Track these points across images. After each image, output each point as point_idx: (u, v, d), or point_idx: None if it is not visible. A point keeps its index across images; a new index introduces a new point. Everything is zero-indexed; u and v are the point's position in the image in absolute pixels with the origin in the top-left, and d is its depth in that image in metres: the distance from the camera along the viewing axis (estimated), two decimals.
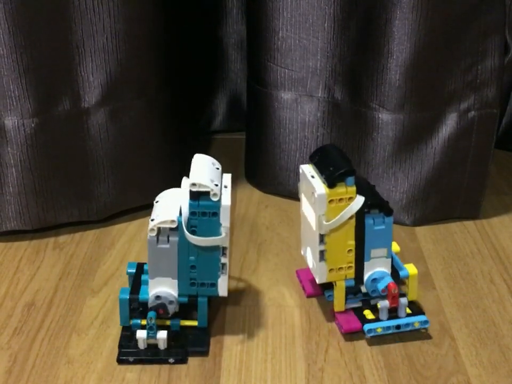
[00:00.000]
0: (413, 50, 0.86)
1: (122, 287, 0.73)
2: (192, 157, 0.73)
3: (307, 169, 0.73)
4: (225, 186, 0.70)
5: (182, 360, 0.70)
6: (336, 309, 0.74)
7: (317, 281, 0.73)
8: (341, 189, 0.69)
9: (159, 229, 0.68)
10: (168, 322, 0.72)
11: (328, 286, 0.77)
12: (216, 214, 0.67)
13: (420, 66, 0.87)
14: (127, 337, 0.71)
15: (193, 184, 0.67)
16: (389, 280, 0.73)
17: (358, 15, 0.89)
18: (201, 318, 0.72)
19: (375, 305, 0.74)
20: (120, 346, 0.71)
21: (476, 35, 0.87)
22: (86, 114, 0.88)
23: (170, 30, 0.97)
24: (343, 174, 0.69)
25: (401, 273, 0.75)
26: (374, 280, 0.73)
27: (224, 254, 0.69)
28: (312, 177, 0.71)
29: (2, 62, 0.82)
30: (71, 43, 0.84)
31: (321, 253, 0.71)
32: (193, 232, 0.68)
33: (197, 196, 0.67)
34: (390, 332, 0.73)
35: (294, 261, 0.88)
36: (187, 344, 0.71)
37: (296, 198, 1.01)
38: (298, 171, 0.99)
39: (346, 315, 0.74)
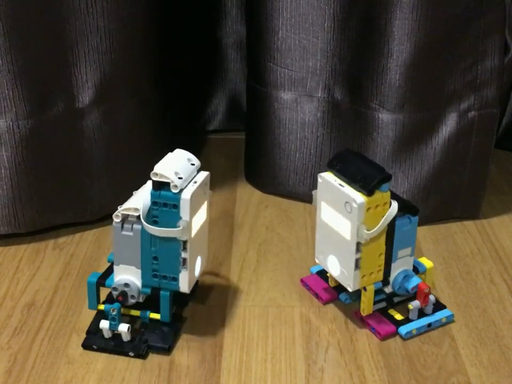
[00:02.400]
0: (412, 51, 0.86)
1: (94, 272, 0.74)
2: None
3: (330, 178, 0.72)
4: (195, 182, 0.70)
5: (141, 355, 0.70)
6: (365, 313, 0.74)
7: (350, 289, 0.72)
8: (377, 196, 0.69)
9: (126, 216, 0.69)
10: (138, 313, 0.72)
11: (343, 289, 0.78)
12: (176, 206, 0.67)
13: (419, 66, 0.87)
14: (97, 324, 0.72)
15: (155, 174, 0.67)
16: (416, 280, 0.74)
17: (358, 15, 0.89)
18: (164, 312, 0.72)
19: (397, 303, 0.76)
20: (88, 332, 0.72)
21: (476, 35, 0.87)
22: (80, 115, 0.88)
23: (166, 30, 0.97)
24: (381, 181, 0.68)
25: (420, 269, 0.76)
26: (403, 280, 0.73)
27: (184, 248, 0.69)
28: (341, 185, 0.70)
29: None
30: (65, 44, 0.84)
31: (357, 261, 0.70)
32: (154, 222, 0.68)
33: (158, 186, 0.67)
34: (422, 331, 0.74)
35: (294, 261, 0.88)
36: (150, 340, 0.71)
37: (296, 198, 1.02)
38: (298, 171, 1.00)
39: (375, 318, 0.74)
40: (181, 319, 0.75)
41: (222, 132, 1.26)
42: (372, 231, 0.69)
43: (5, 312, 0.77)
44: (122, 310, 0.72)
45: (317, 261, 0.77)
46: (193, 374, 0.68)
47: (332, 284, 0.79)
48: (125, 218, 0.70)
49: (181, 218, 0.67)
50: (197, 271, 0.73)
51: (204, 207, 0.73)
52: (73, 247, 0.90)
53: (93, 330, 0.72)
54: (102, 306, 0.72)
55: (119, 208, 0.69)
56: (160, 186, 0.67)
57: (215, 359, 0.71)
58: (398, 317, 0.75)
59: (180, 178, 0.67)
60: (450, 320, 0.75)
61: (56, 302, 0.79)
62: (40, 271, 0.85)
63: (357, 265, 0.71)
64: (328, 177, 0.72)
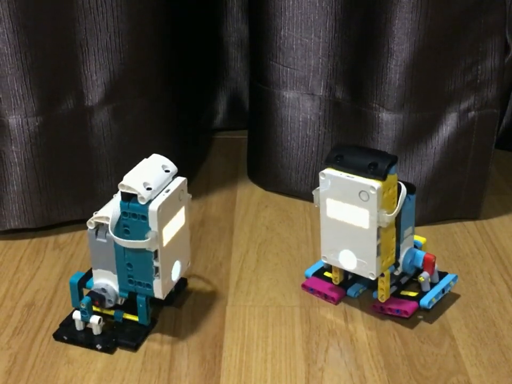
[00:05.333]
0: (412, 50, 0.86)
1: (78, 271, 0.75)
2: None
3: (334, 172, 0.72)
4: (167, 190, 0.70)
5: (108, 349, 0.71)
6: (384, 299, 0.75)
7: (373, 278, 0.73)
8: (389, 179, 0.70)
9: (100, 223, 0.70)
10: (111, 312, 0.73)
11: (350, 284, 0.79)
12: (145, 217, 0.67)
13: (419, 66, 0.87)
14: (71, 318, 0.73)
15: (122, 185, 0.67)
16: (421, 253, 0.76)
17: (358, 14, 0.89)
18: (141, 315, 0.73)
19: (405, 284, 0.79)
20: (61, 324, 0.74)
21: (476, 35, 0.86)
22: (90, 113, 0.89)
23: (172, 28, 0.98)
24: (391, 164, 0.70)
25: (418, 245, 0.79)
26: (412, 259, 0.76)
27: (156, 257, 0.69)
28: (349, 177, 0.71)
29: (7, 61, 0.82)
30: (74, 42, 0.85)
31: (378, 248, 0.71)
32: (126, 232, 0.69)
33: (127, 197, 0.68)
34: (440, 297, 0.77)
35: (294, 260, 0.88)
36: (120, 336, 0.72)
37: (297, 196, 1.02)
38: (300, 169, 1.00)
39: (394, 302, 0.76)
40: (153, 321, 0.75)
41: (223, 130, 1.26)
42: (392, 213, 0.70)
43: (5, 312, 0.77)
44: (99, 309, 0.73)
45: (324, 261, 0.77)
46: (193, 374, 0.68)
47: (336, 281, 0.79)
48: (99, 225, 0.70)
49: (150, 229, 0.68)
50: (175, 276, 0.73)
51: (180, 212, 0.73)
52: (73, 247, 0.90)
53: (67, 322, 0.74)
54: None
55: (94, 215, 0.70)
56: (129, 197, 0.68)
57: (215, 359, 0.71)
58: (412, 294, 0.77)
59: (149, 189, 0.67)
60: (456, 282, 0.79)
61: (56, 302, 0.79)
62: (40, 271, 0.85)
63: (378, 252, 0.72)
64: (331, 173, 0.72)
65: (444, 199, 0.94)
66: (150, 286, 0.70)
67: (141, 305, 0.72)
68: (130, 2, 0.86)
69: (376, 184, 0.69)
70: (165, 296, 0.71)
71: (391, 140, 0.90)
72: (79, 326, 0.73)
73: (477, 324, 0.76)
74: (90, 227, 0.70)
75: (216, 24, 1.21)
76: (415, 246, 0.78)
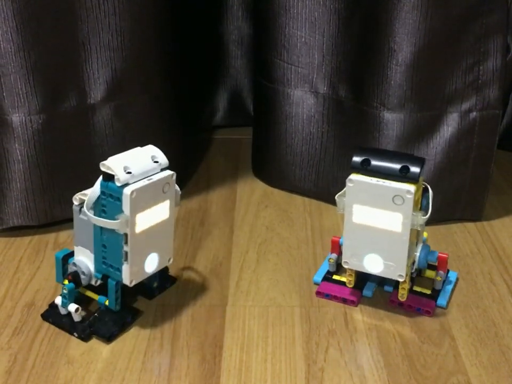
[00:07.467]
0: (412, 50, 0.86)
1: (65, 248, 0.78)
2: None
3: (363, 178, 0.72)
4: (150, 179, 0.70)
5: (83, 338, 0.72)
6: (405, 297, 0.76)
7: (402, 279, 0.73)
8: (419, 182, 0.71)
9: (83, 200, 0.71)
10: (96, 297, 0.74)
11: (362, 285, 0.80)
12: (119, 199, 0.68)
13: (420, 65, 0.87)
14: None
15: (103, 165, 0.69)
16: (435, 252, 0.78)
17: (360, 13, 0.89)
18: (110, 299, 0.73)
19: (415, 277, 0.81)
20: (50, 305, 0.76)
21: (478, 35, 0.86)
22: (92, 110, 0.89)
23: (173, 26, 0.98)
24: (422, 166, 0.71)
25: (423, 239, 0.80)
26: (426, 255, 0.77)
27: (126, 242, 0.69)
28: (379, 181, 0.71)
29: (10, 59, 0.83)
30: (77, 40, 0.86)
31: (409, 249, 0.72)
32: (103, 211, 0.70)
33: (107, 177, 0.69)
34: (451, 296, 0.80)
35: (294, 260, 0.88)
36: (96, 325, 0.73)
37: (300, 193, 1.02)
38: (303, 166, 1.00)
39: (413, 300, 0.77)
40: (136, 313, 0.76)
41: (223, 127, 1.26)
42: (427, 215, 0.71)
43: (5, 312, 0.77)
44: (87, 293, 0.75)
45: (345, 266, 0.76)
46: (193, 374, 0.68)
47: (350, 284, 0.79)
48: (83, 202, 0.71)
49: (123, 211, 0.68)
50: (150, 268, 0.74)
51: (163, 205, 0.73)
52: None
53: (54, 304, 0.75)
54: (66, 282, 0.74)
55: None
56: (110, 177, 0.69)
57: (215, 359, 0.71)
58: (426, 291, 0.79)
59: (129, 173, 0.68)
60: (456, 279, 0.83)
61: None
62: (40, 271, 0.85)
63: (408, 254, 0.72)
64: (360, 179, 0.72)
65: (445, 200, 0.94)
66: (119, 271, 0.71)
67: (111, 288, 0.72)
68: (132, 1, 0.86)
69: (411, 188, 0.69)
70: (132, 284, 0.72)
71: (392, 139, 0.90)
72: (61, 310, 0.74)
73: (477, 323, 0.76)
74: (75, 203, 0.72)
75: (216, 22, 1.21)
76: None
